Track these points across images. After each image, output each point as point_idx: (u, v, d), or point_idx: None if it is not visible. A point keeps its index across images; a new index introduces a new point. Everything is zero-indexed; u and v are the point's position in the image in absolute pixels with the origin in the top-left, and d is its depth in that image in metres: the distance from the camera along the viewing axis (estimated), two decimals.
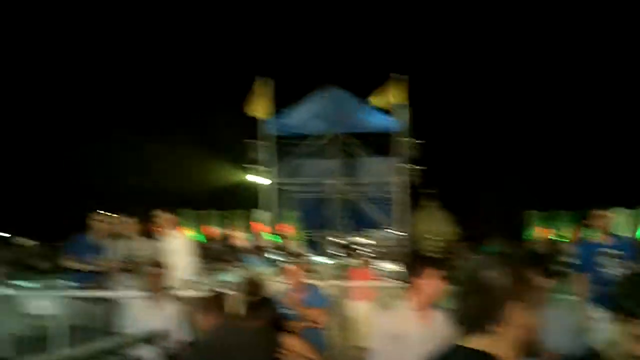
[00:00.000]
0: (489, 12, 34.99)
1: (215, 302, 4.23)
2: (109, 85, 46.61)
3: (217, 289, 4.58)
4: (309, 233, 18.76)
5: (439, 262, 3.95)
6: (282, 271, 5.73)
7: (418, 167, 16.95)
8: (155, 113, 45.80)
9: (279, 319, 4.23)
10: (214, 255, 26.43)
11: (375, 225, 17.24)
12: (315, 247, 17.39)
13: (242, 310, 3.85)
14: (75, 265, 7.13)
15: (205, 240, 31.62)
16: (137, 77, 47.97)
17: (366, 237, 16.06)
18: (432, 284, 3.85)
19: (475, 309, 1.90)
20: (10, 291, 7.25)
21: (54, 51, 43.73)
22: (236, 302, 3.95)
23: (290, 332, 4.35)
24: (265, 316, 3.95)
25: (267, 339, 3.90)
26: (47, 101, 43.95)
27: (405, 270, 4.03)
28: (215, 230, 33.32)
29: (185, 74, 48.08)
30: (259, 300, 4.04)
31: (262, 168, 18.41)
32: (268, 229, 19.03)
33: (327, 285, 7.11)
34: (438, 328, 3.70)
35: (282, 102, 19.58)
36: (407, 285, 3.95)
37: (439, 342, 2.08)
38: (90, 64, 46.64)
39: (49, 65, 42.12)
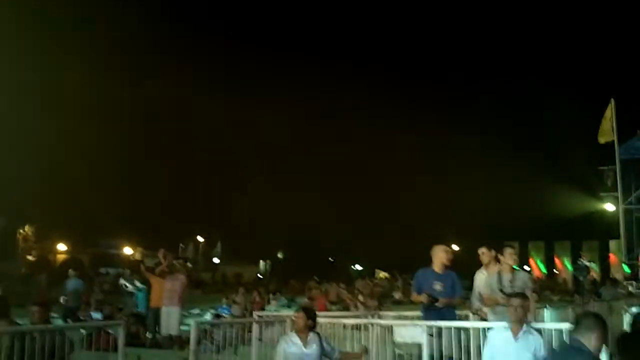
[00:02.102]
0: None
1: None
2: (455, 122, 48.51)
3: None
4: None
5: None
6: None
7: None
8: (505, 147, 46.09)
9: None
10: (563, 287, 25.11)
11: None
12: None
13: None
14: (420, 298, 7.47)
15: (548, 272, 30.05)
16: (485, 112, 49.05)
17: None
18: None
19: None
20: (383, 322, 7.91)
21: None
22: None
23: None
24: None
25: None
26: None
27: None
28: (562, 262, 31.55)
29: (529, 104, 47.73)
30: None
31: (614, 195, 17.06)
32: (621, 258, 17.48)
33: None
34: None
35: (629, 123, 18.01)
36: None
37: None
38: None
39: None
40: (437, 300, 7.33)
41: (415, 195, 48.96)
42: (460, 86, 52.71)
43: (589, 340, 3.87)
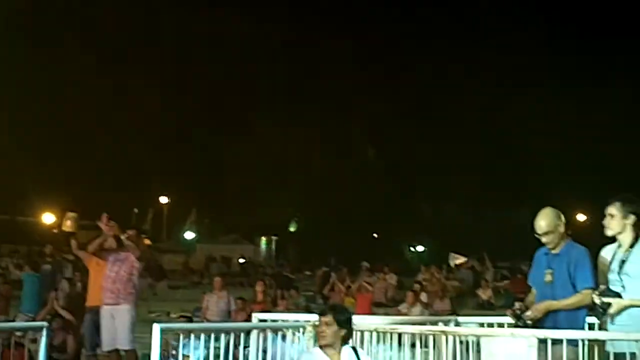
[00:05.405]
0: None
1: None
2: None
3: None
4: None
5: None
6: None
7: None
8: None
9: None
10: None
11: None
12: None
13: None
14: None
15: None
16: None
17: None
18: None
19: None
20: (463, 330, 7.87)
21: None
22: None
23: None
24: None
25: None
26: None
27: None
28: None
29: None
30: None
31: None
32: None
33: None
34: None
35: None
36: None
37: None
38: None
39: None
40: (522, 320, 7.05)
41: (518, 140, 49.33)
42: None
43: None
